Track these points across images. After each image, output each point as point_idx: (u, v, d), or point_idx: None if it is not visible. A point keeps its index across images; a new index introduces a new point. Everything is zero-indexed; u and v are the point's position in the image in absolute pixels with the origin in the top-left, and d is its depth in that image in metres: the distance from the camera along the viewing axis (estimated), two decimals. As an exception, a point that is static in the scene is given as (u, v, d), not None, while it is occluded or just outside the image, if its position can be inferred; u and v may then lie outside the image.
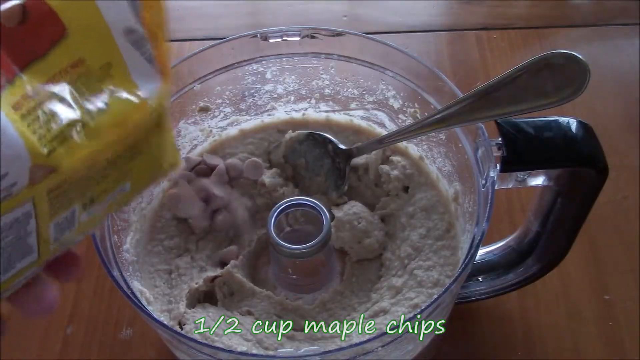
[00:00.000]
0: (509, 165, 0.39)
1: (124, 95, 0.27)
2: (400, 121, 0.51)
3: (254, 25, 0.77)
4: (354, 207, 0.49)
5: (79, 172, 0.26)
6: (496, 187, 0.39)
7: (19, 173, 0.23)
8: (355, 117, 0.54)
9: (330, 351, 0.39)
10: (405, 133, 0.44)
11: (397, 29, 0.76)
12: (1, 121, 0.22)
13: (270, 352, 0.42)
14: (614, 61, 0.72)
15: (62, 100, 0.25)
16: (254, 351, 0.42)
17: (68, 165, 0.25)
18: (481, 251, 0.49)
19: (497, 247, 0.49)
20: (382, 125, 0.53)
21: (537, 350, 0.52)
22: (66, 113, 0.25)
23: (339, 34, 0.48)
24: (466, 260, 0.38)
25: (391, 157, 0.51)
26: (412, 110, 0.49)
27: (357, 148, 0.49)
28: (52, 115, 0.24)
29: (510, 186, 0.42)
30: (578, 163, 0.39)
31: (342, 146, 0.50)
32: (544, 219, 0.44)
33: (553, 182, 0.42)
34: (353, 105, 0.53)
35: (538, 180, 0.42)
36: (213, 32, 0.75)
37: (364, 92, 0.52)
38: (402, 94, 0.50)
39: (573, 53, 0.36)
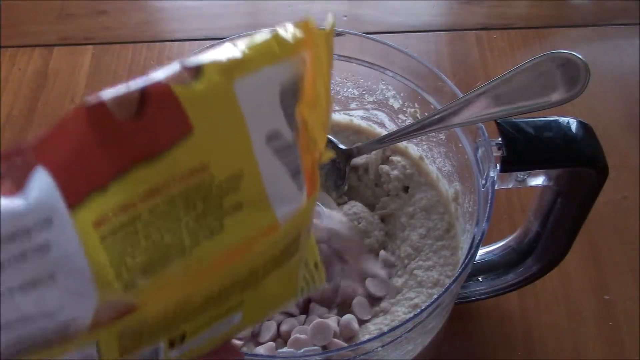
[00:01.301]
0: (509, 165, 0.39)
1: (251, 214, 0.20)
2: (400, 121, 0.51)
3: (254, 25, 0.77)
4: (354, 207, 0.48)
5: (167, 311, 0.20)
6: (496, 187, 0.39)
7: (79, 310, 0.18)
8: (355, 117, 0.54)
9: (330, 351, 0.39)
10: (405, 133, 0.44)
11: (397, 29, 0.76)
12: (69, 244, 0.17)
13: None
14: (614, 61, 0.72)
15: (164, 216, 0.19)
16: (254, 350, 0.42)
17: (152, 305, 0.19)
18: (481, 251, 0.49)
19: (497, 247, 0.49)
20: (382, 125, 0.53)
21: (537, 350, 0.52)
22: (165, 234, 0.19)
23: (339, 34, 0.48)
24: (466, 260, 0.38)
25: (391, 157, 0.51)
26: (412, 110, 0.49)
27: (357, 148, 0.49)
28: (146, 236, 0.19)
29: (510, 186, 0.42)
30: (578, 163, 0.39)
31: (342, 146, 0.50)
32: (544, 219, 0.44)
33: (553, 182, 0.42)
34: (353, 105, 0.53)
35: (538, 180, 0.42)
36: (213, 32, 0.75)
37: (364, 92, 0.52)
38: (402, 94, 0.50)
39: (573, 53, 0.36)
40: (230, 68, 0.20)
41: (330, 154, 0.24)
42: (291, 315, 0.44)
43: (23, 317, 0.17)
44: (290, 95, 0.21)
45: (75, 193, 0.17)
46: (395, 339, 0.36)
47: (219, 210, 0.20)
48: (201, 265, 0.20)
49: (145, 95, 0.18)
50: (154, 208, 0.19)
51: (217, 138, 0.20)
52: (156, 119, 0.19)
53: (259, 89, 0.20)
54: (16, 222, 0.16)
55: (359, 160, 0.50)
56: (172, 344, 0.22)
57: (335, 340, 0.41)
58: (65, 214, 0.17)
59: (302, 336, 0.41)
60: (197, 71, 0.19)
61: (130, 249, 0.18)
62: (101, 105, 0.18)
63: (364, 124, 0.54)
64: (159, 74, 0.19)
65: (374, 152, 0.50)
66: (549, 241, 0.45)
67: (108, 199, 0.18)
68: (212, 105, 0.19)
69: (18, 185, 0.17)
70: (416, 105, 0.49)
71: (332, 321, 0.42)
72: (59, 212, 0.17)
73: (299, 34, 0.21)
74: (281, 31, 0.21)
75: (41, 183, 0.17)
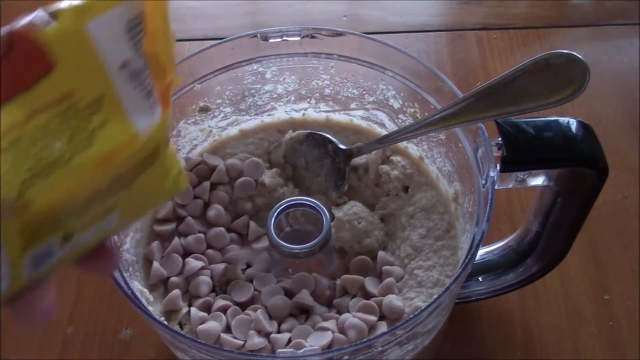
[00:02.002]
0: (509, 165, 0.39)
1: (114, 129, 0.26)
2: (400, 121, 0.51)
3: (254, 25, 0.77)
4: (354, 207, 0.49)
5: (55, 210, 0.25)
6: (496, 187, 0.39)
7: None
8: (355, 117, 0.54)
9: (330, 351, 0.39)
10: (405, 133, 0.44)
11: (397, 29, 0.76)
12: None
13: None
14: (614, 61, 0.72)
15: (44, 135, 0.24)
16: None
17: (41, 205, 0.24)
18: (481, 251, 0.49)
19: (497, 247, 0.49)
20: (382, 125, 0.53)
21: (537, 350, 0.52)
22: (46, 150, 0.24)
23: (339, 34, 0.48)
24: (466, 260, 0.38)
25: (391, 157, 0.51)
26: (412, 110, 0.49)
27: (357, 148, 0.49)
28: (31, 151, 0.23)
29: (510, 186, 0.42)
30: (578, 163, 0.39)
31: (342, 146, 0.50)
32: (544, 219, 0.44)
33: (553, 182, 0.42)
34: (353, 105, 0.53)
35: (538, 180, 0.42)
36: (213, 32, 0.76)
37: (364, 92, 0.52)
38: (402, 94, 0.50)
39: (573, 53, 0.36)
40: (81, 12, 0.24)
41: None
42: (292, 315, 0.44)
43: None
44: (136, 29, 0.26)
45: None
46: (395, 339, 0.37)
47: (87, 127, 0.25)
48: (79, 172, 0.25)
49: (10, 39, 0.23)
50: (34, 130, 0.23)
51: (77, 70, 0.24)
52: (22, 58, 0.23)
53: (108, 26, 0.25)
54: None
55: (359, 160, 0.50)
56: (64, 241, 0.26)
57: (338, 335, 0.41)
58: None
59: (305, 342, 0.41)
60: (53, 16, 0.24)
61: (20, 162, 0.23)
62: None
63: (364, 124, 0.54)
64: (23, 21, 0.23)
65: (374, 152, 0.50)
66: (549, 241, 0.45)
67: None
68: (70, 44, 0.24)
69: None
70: (416, 105, 0.49)
71: (330, 324, 0.42)
72: None
73: None
74: None
75: None
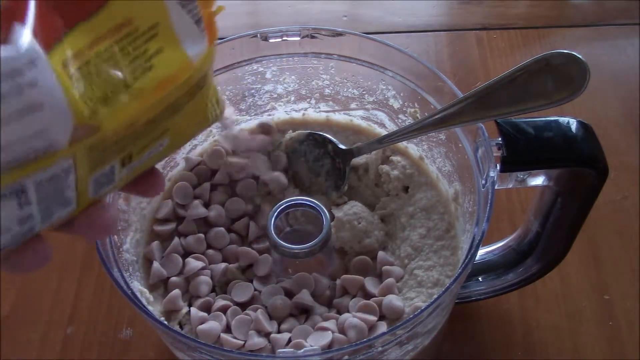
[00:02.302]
0: (509, 165, 0.39)
1: (169, 56, 0.27)
2: (400, 121, 0.51)
3: (254, 25, 0.77)
4: (354, 207, 0.48)
5: (120, 132, 0.26)
6: (496, 187, 0.39)
7: (61, 131, 0.23)
8: (355, 117, 0.54)
9: (330, 351, 0.39)
10: (405, 133, 0.44)
11: (397, 29, 0.76)
12: (50, 80, 0.22)
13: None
14: (614, 61, 0.72)
15: (108, 60, 0.25)
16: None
17: (110, 126, 0.25)
18: (481, 251, 0.49)
19: (497, 247, 0.49)
20: (382, 125, 0.53)
21: (537, 350, 0.52)
22: (111, 74, 0.25)
23: (339, 34, 0.48)
24: (466, 260, 0.38)
25: (391, 157, 0.51)
26: (412, 110, 0.49)
27: (357, 148, 0.49)
28: (98, 75, 0.24)
29: (510, 186, 0.42)
30: (578, 163, 0.39)
31: (342, 146, 0.50)
32: (544, 219, 0.44)
33: (553, 182, 0.42)
34: (353, 105, 0.53)
35: (538, 180, 0.42)
36: (213, 32, 0.75)
37: (364, 92, 0.52)
38: (402, 94, 0.50)
39: (573, 53, 0.36)
40: None
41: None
42: (292, 315, 0.44)
43: (21, 138, 0.22)
44: None
45: (45, 42, 0.23)
46: (395, 339, 0.37)
47: (145, 54, 0.26)
48: (140, 96, 0.26)
49: None
50: (99, 54, 0.25)
51: None
52: None
53: None
54: (12, 64, 0.21)
55: (359, 160, 0.50)
56: (123, 163, 0.28)
57: (338, 335, 0.41)
58: (44, 57, 0.22)
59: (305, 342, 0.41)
60: None
61: (89, 85, 0.24)
62: None
63: (364, 124, 0.54)
64: None
65: (374, 152, 0.50)
66: (549, 241, 0.45)
67: (65, 48, 0.24)
68: None
69: (4, 38, 0.22)
70: (416, 105, 0.49)
71: (330, 324, 0.42)
72: (40, 56, 0.22)
73: None
74: None
75: (23, 35, 0.22)
